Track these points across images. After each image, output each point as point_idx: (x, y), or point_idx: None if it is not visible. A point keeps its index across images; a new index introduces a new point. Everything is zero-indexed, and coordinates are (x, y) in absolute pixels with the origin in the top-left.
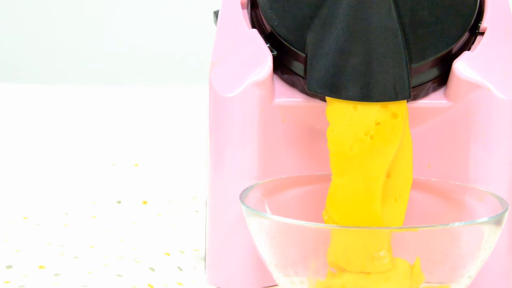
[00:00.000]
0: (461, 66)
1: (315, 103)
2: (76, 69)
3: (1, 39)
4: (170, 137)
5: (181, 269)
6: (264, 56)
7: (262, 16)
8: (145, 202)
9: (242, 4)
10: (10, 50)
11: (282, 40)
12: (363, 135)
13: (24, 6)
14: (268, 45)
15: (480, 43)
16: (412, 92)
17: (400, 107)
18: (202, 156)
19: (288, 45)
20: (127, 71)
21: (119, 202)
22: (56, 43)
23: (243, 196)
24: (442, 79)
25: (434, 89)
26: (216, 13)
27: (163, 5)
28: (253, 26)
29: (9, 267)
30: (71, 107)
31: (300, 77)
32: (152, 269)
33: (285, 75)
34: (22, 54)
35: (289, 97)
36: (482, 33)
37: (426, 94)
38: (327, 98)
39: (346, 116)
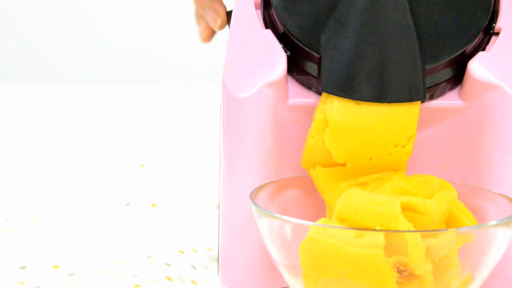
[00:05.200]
0: (476, 66)
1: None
2: (79, 70)
3: (1, 39)
4: (175, 137)
5: (194, 268)
6: (278, 57)
7: (275, 17)
8: (154, 205)
9: (255, 5)
10: (10, 50)
11: (295, 40)
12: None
13: (24, 7)
14: (281, 45)
15: (495, 44)
16: (426, 93)
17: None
18: (208, 156)
19: (301, 45)
20: (131, 71)
21: (127, 204)
22: (57, 43)
23: (253, 195)
24: (456, 79)
25: (449, 90)
26: (228, 14)
27: (164, 6)
28: (266, 27)
29: (22, 267)
30: (73, 107)
31: (314, 78)
32: (168, 264)
33: (299, 76)
34: (22, 54)
35: (303, 98)
36: (497, 34)
37: (440, 95)
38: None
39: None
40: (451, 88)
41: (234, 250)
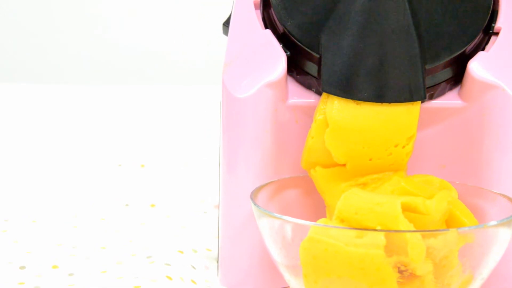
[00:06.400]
0: (476, 66)
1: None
2: (79, 70)
3: (1, 39)
4: (175, 137)
5: (194, 268)
6: (278, 57)
7: (275, 17)
8: (153, 205)
9: (255, 5)
10: (10, 50)
11: (295, 40)
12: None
13: (24, 6)
14: (281, 45)
15: (495, 43)
16: (426, 93)
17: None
18: (208, 156)
19: (301, 45)
20: (131, 71)
21: (127, 205)
22: (57, 43)
23: (253, 195)
24: (456, 79)
25: (449, 90)
26: (225, 24)
27: (164, 6)
28: (266, 27)
29: (22, 267)
30: (73, 107)
31: (314, 78)
32: (168, 265)
33: (298, 76)
34: (22, 54)
35: (303, 98)
36: (497, 33)
37: (440, 95)
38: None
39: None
40: (451, 88)
41: (234, 250)
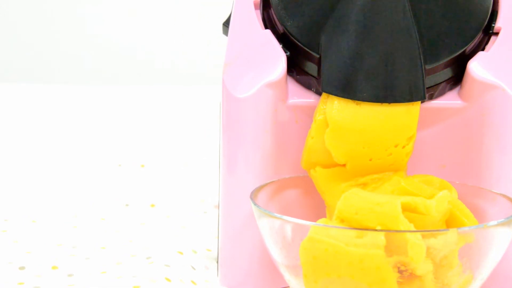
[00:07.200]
0: (476, 66)
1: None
2: (79, 70)
3: (1, 39)
4: (175, 137)
5: (194, 268)
6: (278, 57)
7: (275, 17)
8: (153, 205)
9: (255, 5)
10: (10, 50)
11: (295, 40)
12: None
13: (25, 6)
14: (281, 45)
15: (495, 43)
16: (426, 93)
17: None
18: (208, 156)
19: (301, 45)
20: (130, 71)
21: (127, 205)
22: (57, 43)
23: (253, 196)
24: (456, 79)
25: (449, 90)
26: (225, 24)
27: (165, 6)
28: (266, 27)
29: (22, 268)
30: (74, 107)
31: (313, 78)
32: (168, 266)
33: (298, 76)
34: (22, 54)
35: (302, 98)
36: (496, 33)
37: (440, 95)
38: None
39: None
40: (451, 88)
41: (234, 250)
